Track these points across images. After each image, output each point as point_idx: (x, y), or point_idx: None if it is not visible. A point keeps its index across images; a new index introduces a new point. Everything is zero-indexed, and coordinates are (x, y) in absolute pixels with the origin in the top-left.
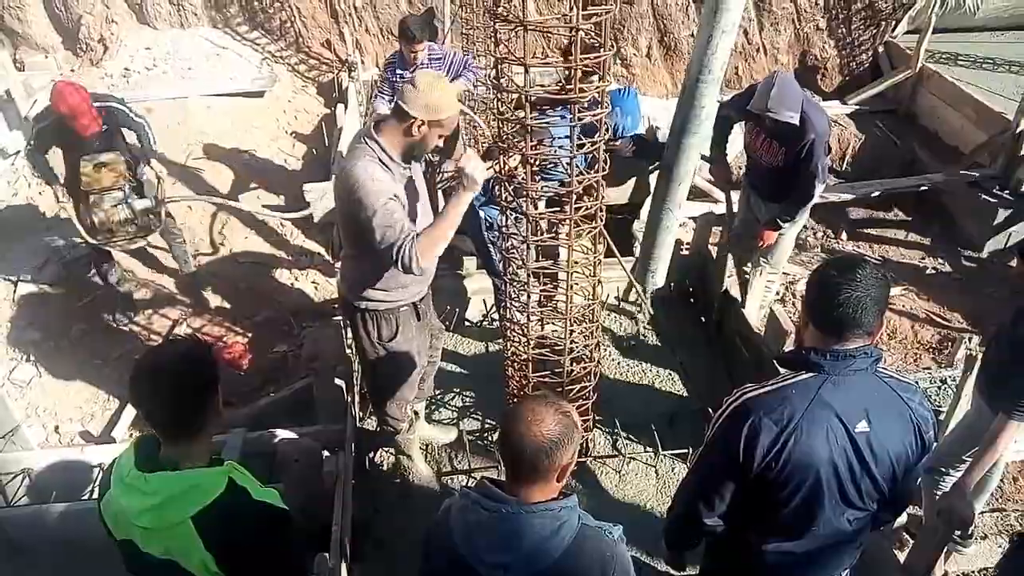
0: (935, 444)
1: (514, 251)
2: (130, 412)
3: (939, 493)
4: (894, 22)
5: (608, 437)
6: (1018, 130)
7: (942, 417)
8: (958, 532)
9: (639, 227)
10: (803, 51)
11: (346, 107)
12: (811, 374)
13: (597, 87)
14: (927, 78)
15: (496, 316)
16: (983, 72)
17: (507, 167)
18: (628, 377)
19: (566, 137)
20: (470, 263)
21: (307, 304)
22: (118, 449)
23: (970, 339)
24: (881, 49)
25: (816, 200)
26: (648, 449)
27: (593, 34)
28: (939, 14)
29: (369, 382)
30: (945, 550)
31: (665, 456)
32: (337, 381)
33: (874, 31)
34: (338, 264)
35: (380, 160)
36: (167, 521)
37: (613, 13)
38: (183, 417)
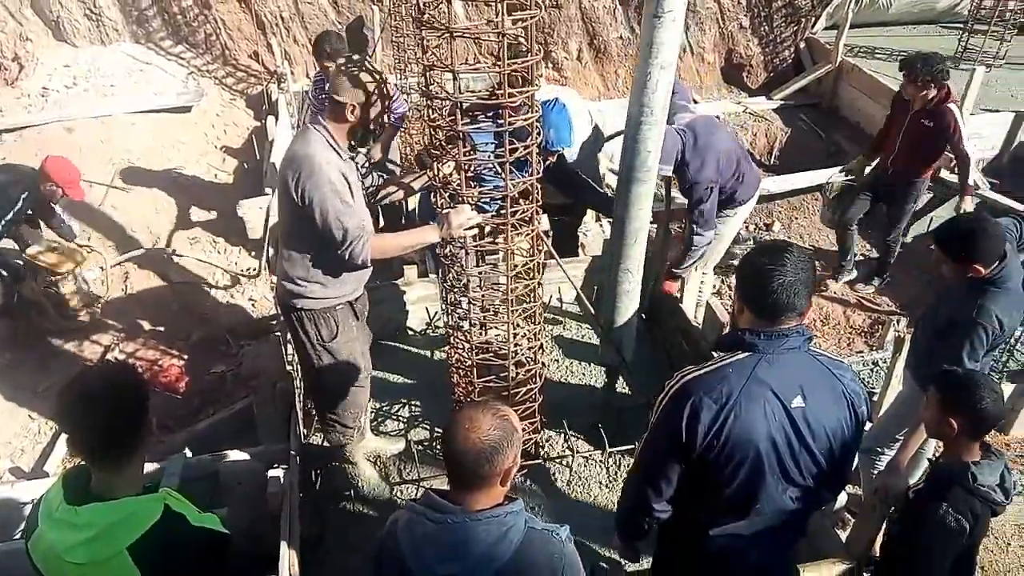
0: (868, 421)
1: (453, 257)
2: (63, 445)
3: (875, 472)
4: (814, 18)
5: (557, 437)
6: None
7: (875, 398)
8: (894, 508)
9: (585, 229)
10: (728, 49)
11: (276, 119)
12: (747, 354)
13: (526, 92)
14: (847, 71)
15: (439, 324)
16: (897, 63)
17: (441, 174)
18: (574, 377)
19: (493, 143)
20: (411, 272)
21: (244, 322)
22: (51, 484)
23: (898, 322)
24: (803, 45)
25: (702, 248)
26: (596, 447)
27: (521, 39)
28: (855, 10)
29: (314, 391)
30: (884, 526)
31: (613, 453)
32: (279, 398)
33: (795, 28)
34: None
35: (330, 144)
36: (102, 554)
37: (540, 17)
38: (114, 442)
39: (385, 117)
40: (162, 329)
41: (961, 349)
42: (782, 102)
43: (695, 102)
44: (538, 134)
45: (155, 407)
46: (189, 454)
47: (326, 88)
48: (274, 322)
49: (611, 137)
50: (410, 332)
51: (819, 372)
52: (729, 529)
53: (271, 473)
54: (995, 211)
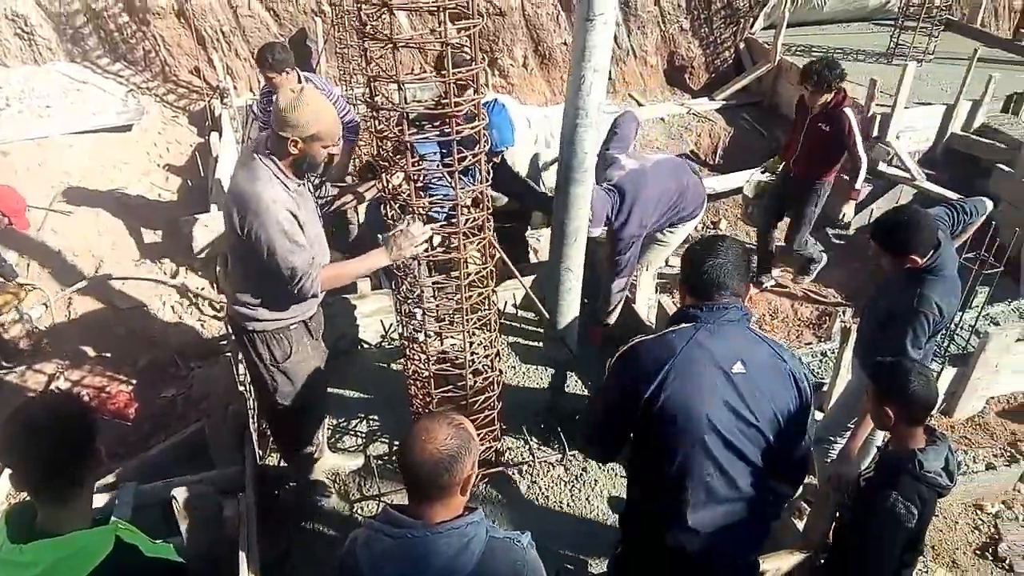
0: (811, 403)
1: (405, 269)
2: (5, 480)
3: (828, 461)
4: (752, 19)
5: (517, 444)
6: (869, 114)
7: (825, 388)
8: (846, 496)
9: (532, 234)
10: (670, 52)
11: (220, 135)
12: (689, 324)
13: (472, 100)
14: (786, 70)
15: (395, 336)
16: None
17: (390, 185)
18: (531, 382)
19: (441, 152)
20: (363, 285)
21: (194, 343)
22: None
23: (844, 312)
24: (742, 46)
25: (620, 294)
26: (556, 450)
27: (465, 47)
28: (791, 9)
29: (269, 412)
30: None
31: (574, 455)
32: (232, 420)
33: (734, 29)
34: (223, 296)
35: (277, 178)
36: None
37: (484, 25)
38: (60, 474)
39: (334, 149)
40: (109, 355)
41: (904, 337)
42: (724, 102)
43: (639, 104)
44: (485, 141)
45: (104, 435)
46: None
47: (271, 105)
48: (224, 342)
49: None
50: (365, 346)
51: (760, 347)
52: (690, 522)
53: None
54: (931, 200)
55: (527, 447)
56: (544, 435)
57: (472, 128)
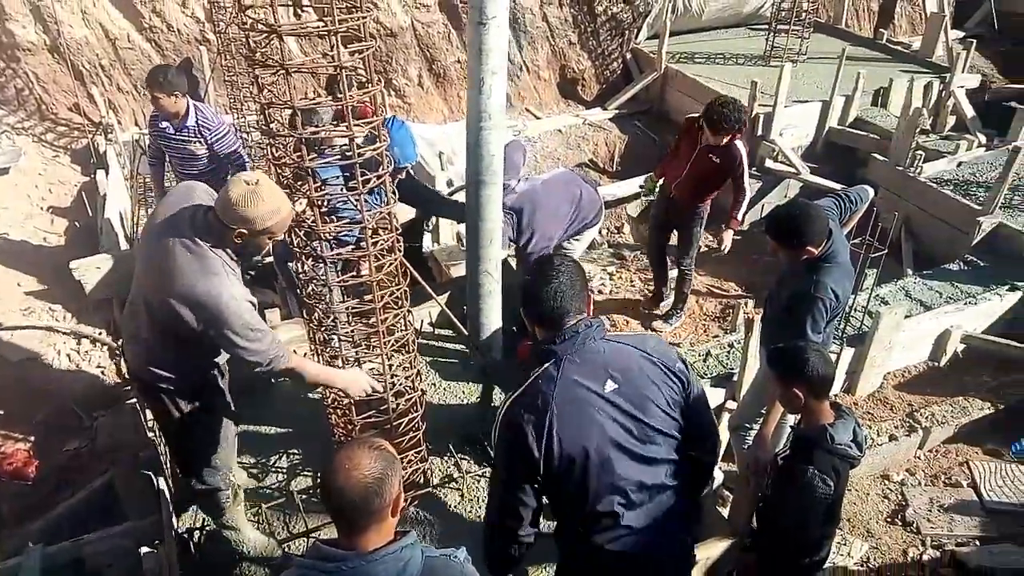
0: (690, 374)
1: (317, 296)
2: None
3: (745, 447)
4: (636, 30)
5: (444, 462)
6: (753, 114)
7: (735, 378)
8: (767, 478)
9: (428, 247)
10: (562, 65)
11: (107, 172)
12: (550, 362)
13: (371, 122)
14: (671, 77)
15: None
16: (716, 66)
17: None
18: (454, 398)
19: (344, 175)
20: (273, 315)
21: (95, 391)
22: None
23: (746, 304)
24: (629, 56)
25: None
26: (484, 463)
27: (359, 70)
28: (672, 19)
29: (183, 459)
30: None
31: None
32: (143, 469)
33: (620, 40)
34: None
35: (228, 265)
36: None
37: (377, 47)
38: None
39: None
40: (1, 412)
41: (805, 323)
42: (617, 111)
43: (536, 117)
44: (389, 162)
45: (2, 498)
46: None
47: (161, 124)
48: (128, 388)
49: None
50: (281, 380)
51: (622, 352)
52: (623, 522)
53: (144, 550)
54: (816, 192)
55: (455, 463)
56: (472, 449)
57: (374, 150)
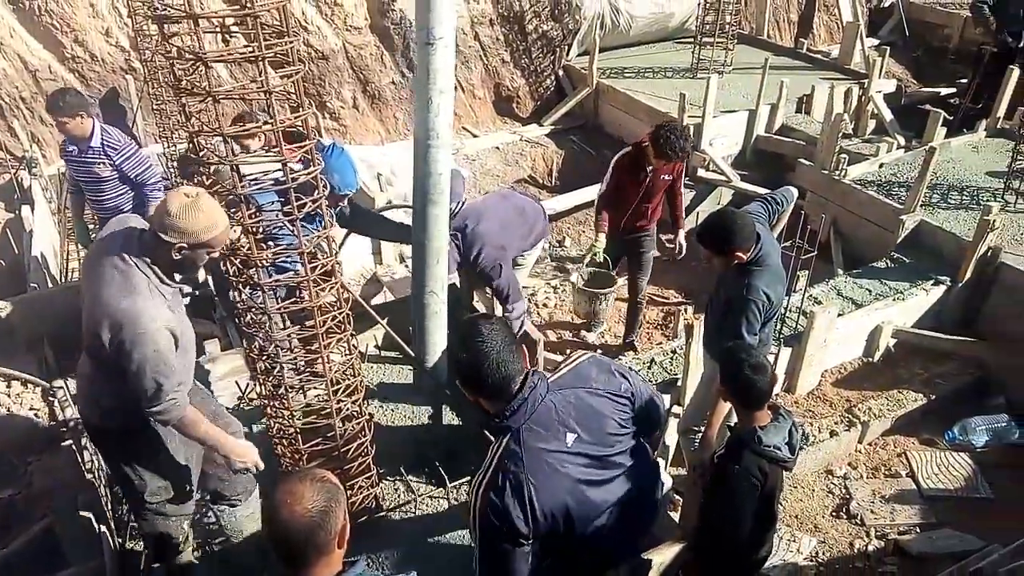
0: (634, 380)
1: (257, 325)
2: None
3: (693, 450)
4: (567, 47)
5: (396, 485)
6: (684, 126)
7: (679, 383)
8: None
9: (391, 271)
10: (496, 83)
11: (33, 208)
12: (507, 436)
13: (304, 146)
14: (603, 92)
15: (252, 396)
16: (646, 80)
17: (228, 241)
18: (403, 420)
19: (280, 200)
20: (212, 347)
21: (28, 435)
22: None
23: (686, 310)
24: (561, 72)
25: (522, 315)
26: (436, 484)
27: (290, 94)
28: (601, 35)
29: (133, 500)
30: None
31: (453, 487)
32: (83, 513)
33: (552, 57)
34: (59, 383)
35: (156, 288)
36: None
37: (309, 70)
38: None
39: (216, 252)
40: None
41: (740, 326)
42: (552, 127)
43: (474, 136)
44: (324, 185)
45: None
46: None
47: (68, 148)
48: (65, 429)
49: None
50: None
51: (571, 398)
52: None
53: None
54: (748, 198)
55: (406, 485)
56: (422, 470)
57: (308, 174)
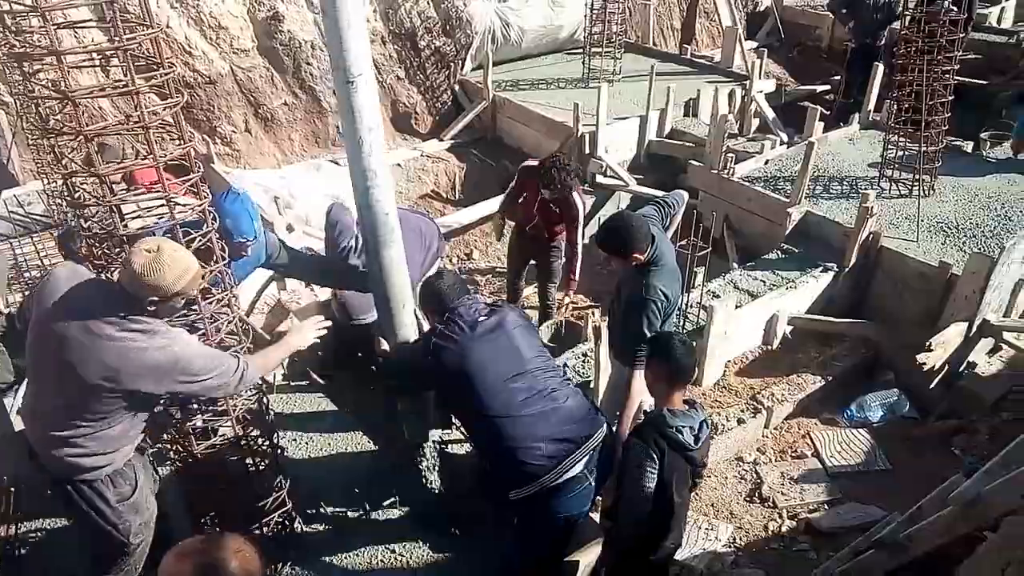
0: None
1: None
2: None
3: None
4: (461, 62)
5: (314, 517)
6: (579, 134)
7: (592, 385)
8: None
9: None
10: (392, 101)
11: None
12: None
13: (189, 179)
14: (500, 105)
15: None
16: (541, 91)
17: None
18: (317, 450)
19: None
20: None
21: None
22: None
23: (594, 313)
24: (457, 87)
25: None
26: (358, 510)
27: (170, 125)
28: (494, 50)
29: (116, 553)
30: None
31: (375, 512)
32: None
33: (447, 72)
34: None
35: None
36: None
37: (193, 97)
38: None
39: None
40: None
41: (641, 324)
42: (452, 141)
43: None
44: (213, 219)
45: None
46: None
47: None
48: None
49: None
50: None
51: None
52: None
53: None
54: (645, 200)
55: (325, 517)
56: (343, 498)
57: (195, 207)
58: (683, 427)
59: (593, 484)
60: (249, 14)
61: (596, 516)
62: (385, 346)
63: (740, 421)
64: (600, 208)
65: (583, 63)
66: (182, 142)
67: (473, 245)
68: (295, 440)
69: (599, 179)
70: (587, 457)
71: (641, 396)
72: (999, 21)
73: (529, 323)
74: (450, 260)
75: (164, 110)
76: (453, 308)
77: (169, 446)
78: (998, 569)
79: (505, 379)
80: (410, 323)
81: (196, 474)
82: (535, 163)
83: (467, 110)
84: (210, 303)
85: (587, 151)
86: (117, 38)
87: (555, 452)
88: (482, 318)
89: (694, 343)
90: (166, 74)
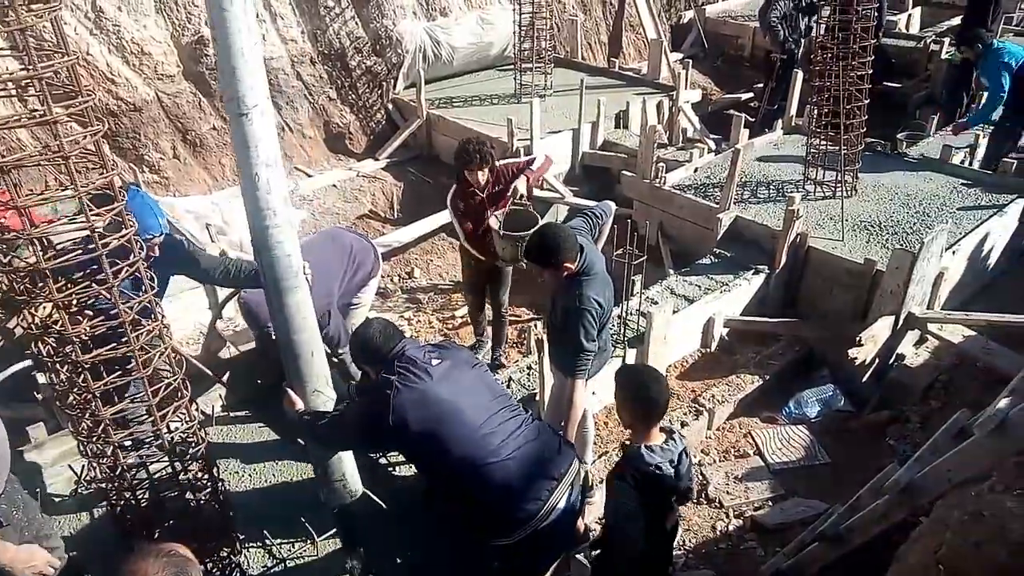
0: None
1: (81, 404)
2: None
3: None
4: (393, 80)
5: (259, 550)
6: (514, 149)
7: (537, 397)
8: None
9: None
10: (325, 121)
11: None
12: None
13: (113, 208)
14: (435, 122)
15: (89, 479)
16: (474, 108)
17: (37, 319)
18: (259, 481)
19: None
20: (37, 431)
21: None
22: None
23: (536, 326)
24: (391, 106)
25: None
26: (305, 540)
27: (90, 154)
28: (425, 68)
29: None
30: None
31: (320, 540)
32: None
33: (379, 92)
34: None
35: None
36: None
37: (122, 123)
38: None
39: None
40: None
41: (578, 334)
42: (388, 160)
43: (308, 176)
44: (141, 248)
45: None
46: None
47: None
48: None
49: None
50: (57, 500)
51: None
52: None
53: None
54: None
55: (268, 549)
56: (287, 529)
57: (120, 237)
58: (662, 463)
59: (575, 517)
60: (173, 39)
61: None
62: (298, 402)
63: (684, 424)
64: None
65: (515, 79)
66: (105, 171)
67: (414, 263)
68: (237, 472)
69: (537, 192)
70: (568, 492)
71: (584, 406)
72: (907, 27)
73: (479, 359)
74: (391, 280)
75: (85, 139)
76: (398, 354)
77: (104, 485)
78: (931, 552)
79: (479, 423)
80: (323, 373)
81: (134, 512)
82: (454, 187)
83: (402, 128)
84: (140, 335)
85: None
86: (31, 67)
87: (539, 493)
88: (435, 361)
89: (663, 373)
90: (85, 102)
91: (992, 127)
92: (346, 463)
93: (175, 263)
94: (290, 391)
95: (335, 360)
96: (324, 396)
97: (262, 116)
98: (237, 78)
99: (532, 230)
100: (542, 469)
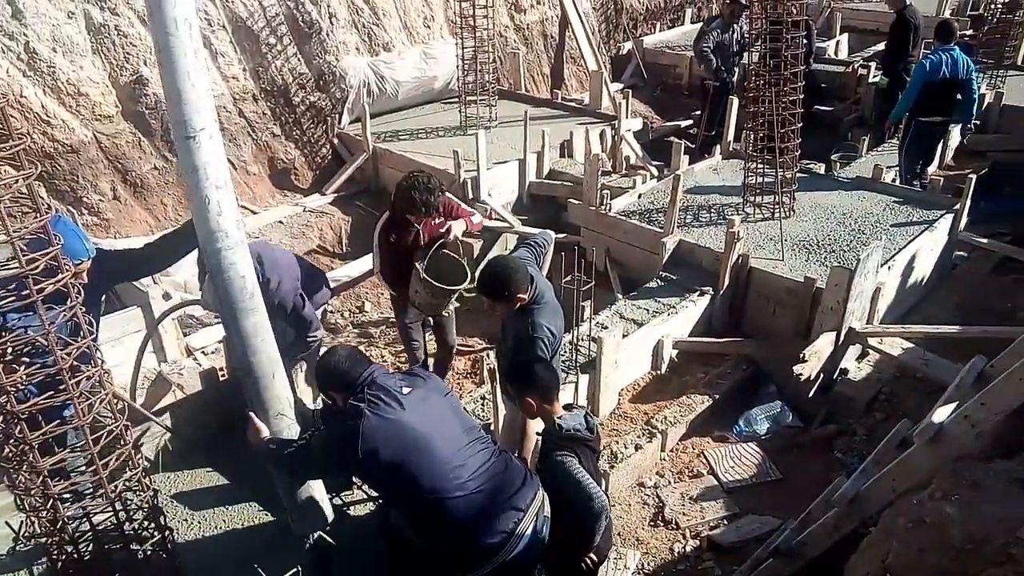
0: None
1: (18, 456)
2: None
3: None
4: (338, 115)
5: None
6: (461, 180)
7: (492, 427)
8: None
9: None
10: (269, 158)
11: None
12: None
13: (47, 253)
14: (381, 156)
15: (29, 534)
16: (421, 140)
17: None
18: (211, 529)
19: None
20: None
21: None
22: None
23: (489, 356)
24: (336, 141)
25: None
26: None
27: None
28: (370, 102)
29: None
30: None
31: None
32: None
33: (324, 127)
34: None
35: None
36: None
37: (58, 166)
38: None
39: None
40: None
41: None
42: (335, 195)
43: (253, 213)
44: (78, 293)
45: None
46: None
47: None
48: None
49: None
50: None
51: None
52: None
53: None
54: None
55: None
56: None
57: (56, 283)
58: (575, 426)
59: (542, 546)
60: (111, 79)
61: None
62: (263, 429)
63: (638, 447)
64: (488, 252)
65: (460, 111)
66: (38, 215)
67: (364, 297)
68: (185, 519)
69: (486, 223)
70: (535, 521)
71: (537, 428)
72: (836, 53)
73: (449, 388)
74: (341, 315)
75: (17, 182)
76: (367, 380)
77: (45, 540)
78: (880, 560)
79: (449, 455)
80: (285, 395)
81: (77, 566)
82: (387, 215)
83: (348, 163)
84: (79, 381)
85: (471, 196)
86: None
87: (506, 525)
88: (406, 390)
89: (570, 383)
90: (16, 145)
91: (914, 132)
92: (315, 488)
93: (107, 276)
94: (254, 417)
95: (307, 340)
96: (287, 419)
97: (210, 139)
98: (184, 100)
99: (453, 287)
100: (509, 501)
